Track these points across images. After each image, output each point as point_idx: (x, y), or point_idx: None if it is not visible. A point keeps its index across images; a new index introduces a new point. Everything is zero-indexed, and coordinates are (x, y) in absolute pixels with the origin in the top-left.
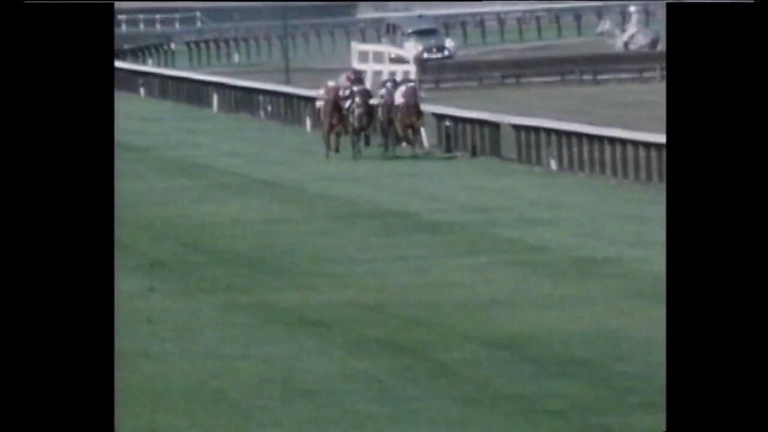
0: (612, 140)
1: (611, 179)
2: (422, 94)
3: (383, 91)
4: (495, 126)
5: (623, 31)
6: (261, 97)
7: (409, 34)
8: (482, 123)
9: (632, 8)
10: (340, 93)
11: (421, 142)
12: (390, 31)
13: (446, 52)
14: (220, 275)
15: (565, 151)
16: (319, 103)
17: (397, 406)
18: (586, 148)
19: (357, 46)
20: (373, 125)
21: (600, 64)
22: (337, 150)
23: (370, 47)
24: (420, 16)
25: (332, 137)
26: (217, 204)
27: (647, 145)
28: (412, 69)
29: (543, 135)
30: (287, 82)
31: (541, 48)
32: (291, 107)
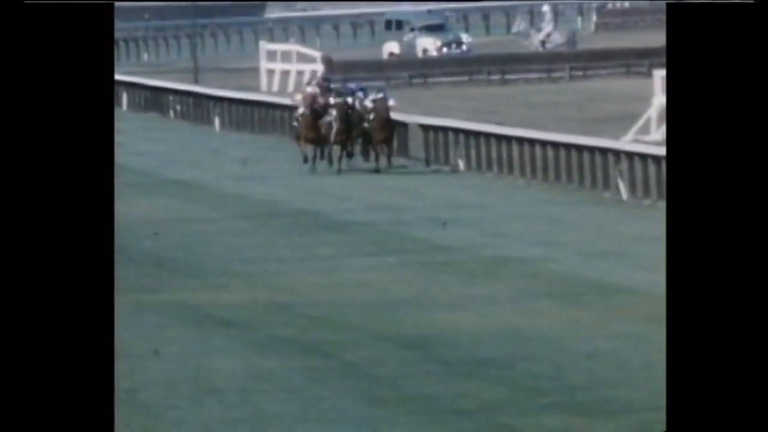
0: (520, 140)
1: (519, 179)
2: (392, 103)
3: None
4: (403, 126)
5: (538, 30)
6: (170, 97)
7: (420, 29)
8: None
9: (545, 7)
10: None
11: (389, 157)
12: (393, 27)
13: (464, 48)
14: (129, 275)
15: (473, 151)
16: (300, 111)
17: (306, 406)
18: (494, 148)
19: (265, 46)
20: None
21: (508, 63)
22: (314, 161)
23: (279, 47)
24: (429, 12)
25: (308, 147)
26: (127, 203)
27: (555, 145)
28: (320, 68)
29: (451, 135)
30: (196, 82)
31: None
32: (200, 107)
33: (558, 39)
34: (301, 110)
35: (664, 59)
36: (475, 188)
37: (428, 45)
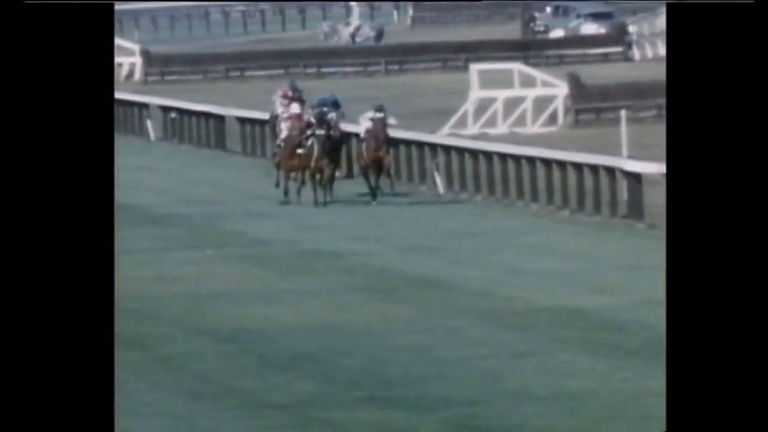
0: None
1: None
2: (392, 121)
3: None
4: (220, 118)
5: (347, 24)
6: None
7: (586, 16)
8: (207, 115)
9: (353, 3)
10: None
11: (391, 182)
12: (560, 13)
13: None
14: None
15: None
16: (284, 134)
17: (123, 400)
18: None
19: None
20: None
21: (324, 57)
22: (298, 192)
23: None
24: None
25: (291, 175)
26: None
27: None
28: (138, 61)
29: (267, 128)
30: None
31: (266, 41)
32: None
33: (366, 32)
34: (284, 134)
35: (480, 54)
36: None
37: (590, 31)
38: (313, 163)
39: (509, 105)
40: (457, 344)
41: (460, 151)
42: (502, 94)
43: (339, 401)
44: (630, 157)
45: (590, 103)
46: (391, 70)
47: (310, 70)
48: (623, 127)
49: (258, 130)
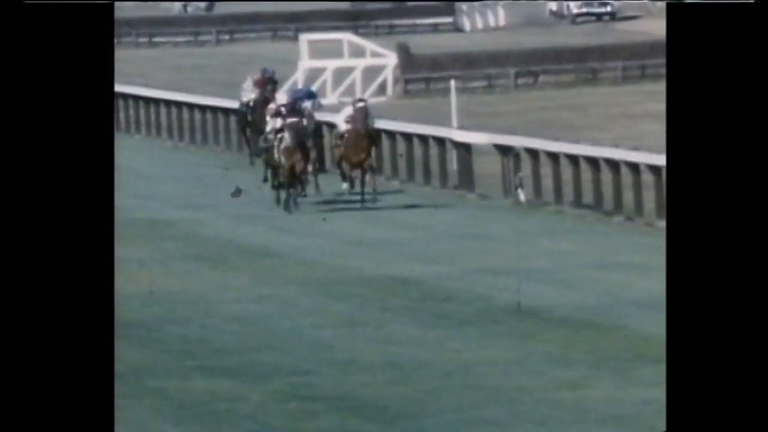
0: (168, 103)
1: (167, 141)
2: (371, 116)
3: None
4: None
5: None
6: None
7: None
8: None
9: None
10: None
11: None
12: None
13: (609, 9)
14: None
15: (122, 113)
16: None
17: None
18: (142, 111)
19: None
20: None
21: (156, 26)
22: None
23: None
24: None
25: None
26: None
27: (202, 108)
28: None
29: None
30: None
31: None
32: None
33: (199, 2)
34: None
35: (311, 23)
36: (124, 149)
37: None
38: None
39: (339, 75)
40: (288, 313)
41: None
42: (331, 64)
43: (171, 370)
44: (460, 127)
45: (420, 74)
46: (222, 39)
47: (141, 39)
48: (453, 97)
49: None
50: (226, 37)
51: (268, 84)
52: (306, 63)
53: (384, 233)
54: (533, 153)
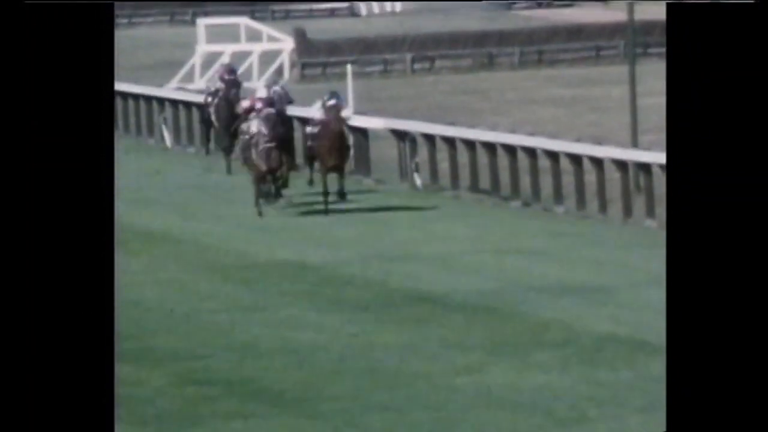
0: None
1: None
2: (347, 113)
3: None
4: None
5: None
6: None
7: None
8: None
9: None
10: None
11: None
12: None
13: None
14: None
15: None
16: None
17: None
18: None
19: None
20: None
21: None
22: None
23: None
24: None
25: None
26: None
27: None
28: None
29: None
30: None
31: None
32: None
33: None
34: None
35: (207, 8)
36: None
37: None
38: (264, 162)
39: (236, 59)
40: (185, 298)
41: (188, 104)
42: (228, 48)
43: None
44: (357, 112)
45: (316, 58)
46: (119, 23)
47: None
48: (349, 82)
49: None
50: (124, 21)
51: (232, 88)
52: (203, 47)
53: (280, 218)
54: (429, 138)
